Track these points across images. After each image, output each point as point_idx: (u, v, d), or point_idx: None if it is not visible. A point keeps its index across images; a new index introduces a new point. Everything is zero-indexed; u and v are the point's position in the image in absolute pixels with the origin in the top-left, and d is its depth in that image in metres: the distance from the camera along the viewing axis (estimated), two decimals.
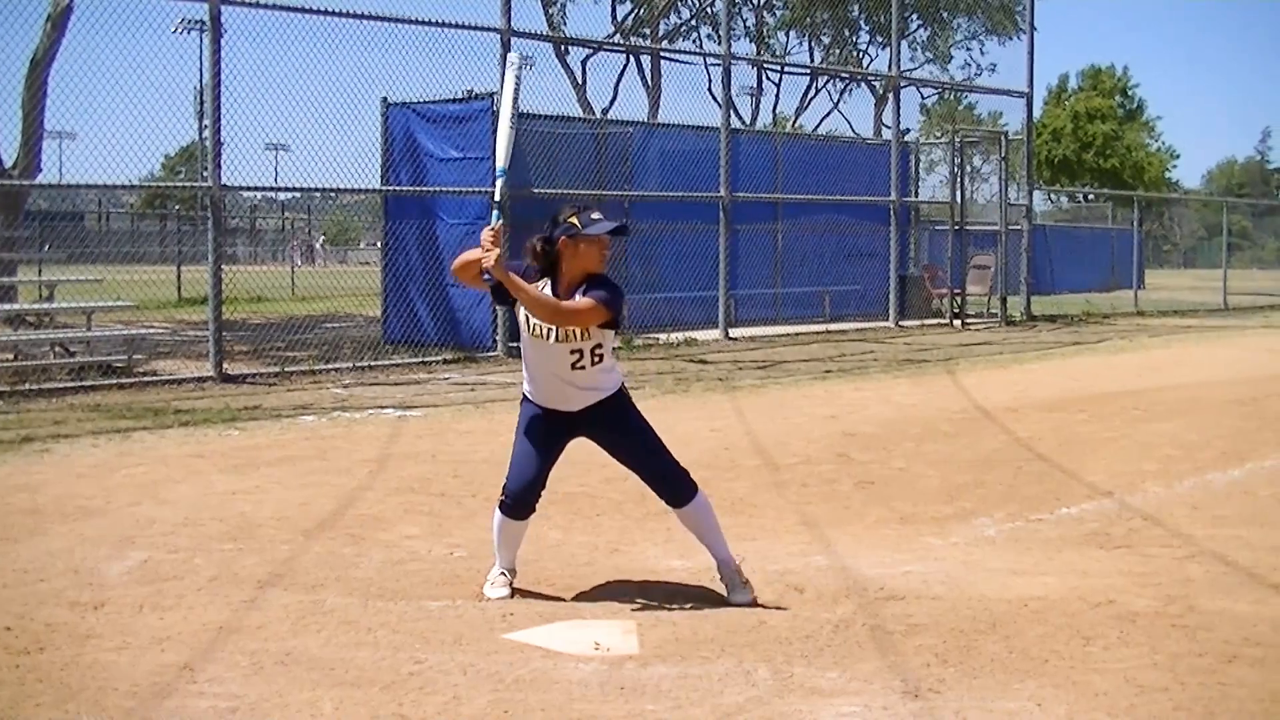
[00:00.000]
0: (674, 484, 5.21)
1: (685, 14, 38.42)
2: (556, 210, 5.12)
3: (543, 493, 5.24)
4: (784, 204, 20.85)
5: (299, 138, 24.52)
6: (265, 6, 13.06)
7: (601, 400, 5.14)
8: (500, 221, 5.03)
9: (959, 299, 22.01)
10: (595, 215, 5.02)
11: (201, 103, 16.07)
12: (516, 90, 5.36)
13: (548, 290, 5.04)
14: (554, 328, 4.99)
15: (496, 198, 5.24)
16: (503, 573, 5.32)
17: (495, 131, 5.30)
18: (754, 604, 5.17)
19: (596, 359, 5.06)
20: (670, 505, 5.26)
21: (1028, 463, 8.59)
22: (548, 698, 4.12)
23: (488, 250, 4.93)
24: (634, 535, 6.42)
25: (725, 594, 5.25)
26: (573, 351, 5.03)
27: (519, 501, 5.18)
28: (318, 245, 47.98)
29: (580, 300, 4.96)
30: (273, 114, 14.88)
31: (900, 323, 21.04)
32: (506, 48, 14.93)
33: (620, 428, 5.20)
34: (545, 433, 5.17)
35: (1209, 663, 4.50)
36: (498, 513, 5.28)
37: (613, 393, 5.18)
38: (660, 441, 5.23)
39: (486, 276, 4.98)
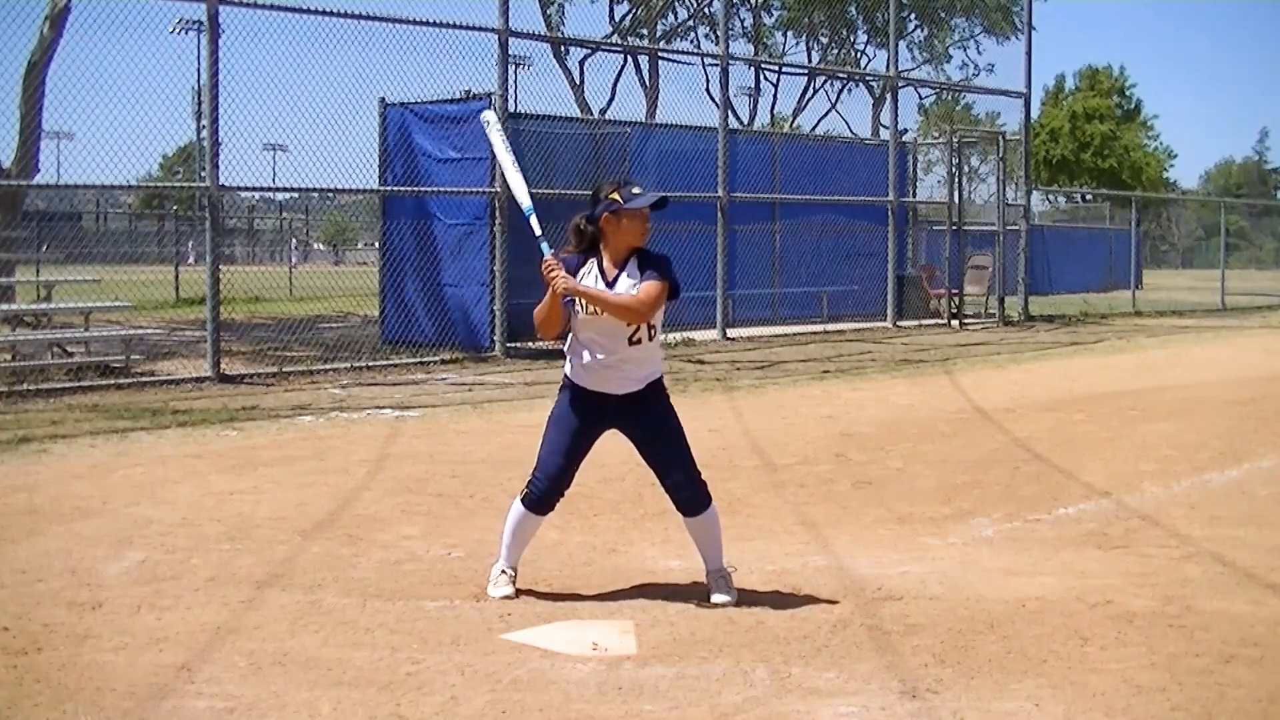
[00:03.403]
0: (693, 490, 5.20)
1: (683, 14, 38.47)
2: (596, 186, 5.15)
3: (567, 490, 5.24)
4: (782, 204, 20.86)
5: (296, 138, 24.49)
6: (263, 7, 13.05)
7: (645, 388, 5.15)
8: (551, 252, 5.07)
9: (957, 299, 22.01)
10: (635, 190, 5.05)
11: (199, 103, 16.05)
12: (503, 140, 5.43)
13: (594, 270, 5.06)
14: None
15: (537, 234, 5.24)
16: (505, 571, 5.29)
17: (506, 182, 5.35)
18: (737, 603, 5.15)
19: (651, 333, 5.10)
20: (684, 512, 5.24)
21: (1025, 463, 8.60)
22: (545, 698, 4.13)
23: (553, 275, 4.98)
24: (631, 535, 6.42)
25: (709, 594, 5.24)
26: (630, 325, 5.05)
27: (546, 494, 5.16)
28: (320, 246, 48.01)
29: (647, 288, 5.01)
30: (270, 114, 14.94)
31: (898, 323, 21.05)
32: (505, 48, 14.94)
33: (658, 422, 5.19)
34: (583, 422, 5.15)
35: (1206, 663, 4.51)
36: (517, 505, 5.23)
37: (656, 379, 5.20)
38: (688, 446, 5.23)
39: (566, 300, 5.01)
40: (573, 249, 5.15)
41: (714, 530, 5.27)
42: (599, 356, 5.10)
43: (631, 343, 5.07)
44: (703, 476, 5.24)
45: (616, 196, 5.02)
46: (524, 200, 5.35)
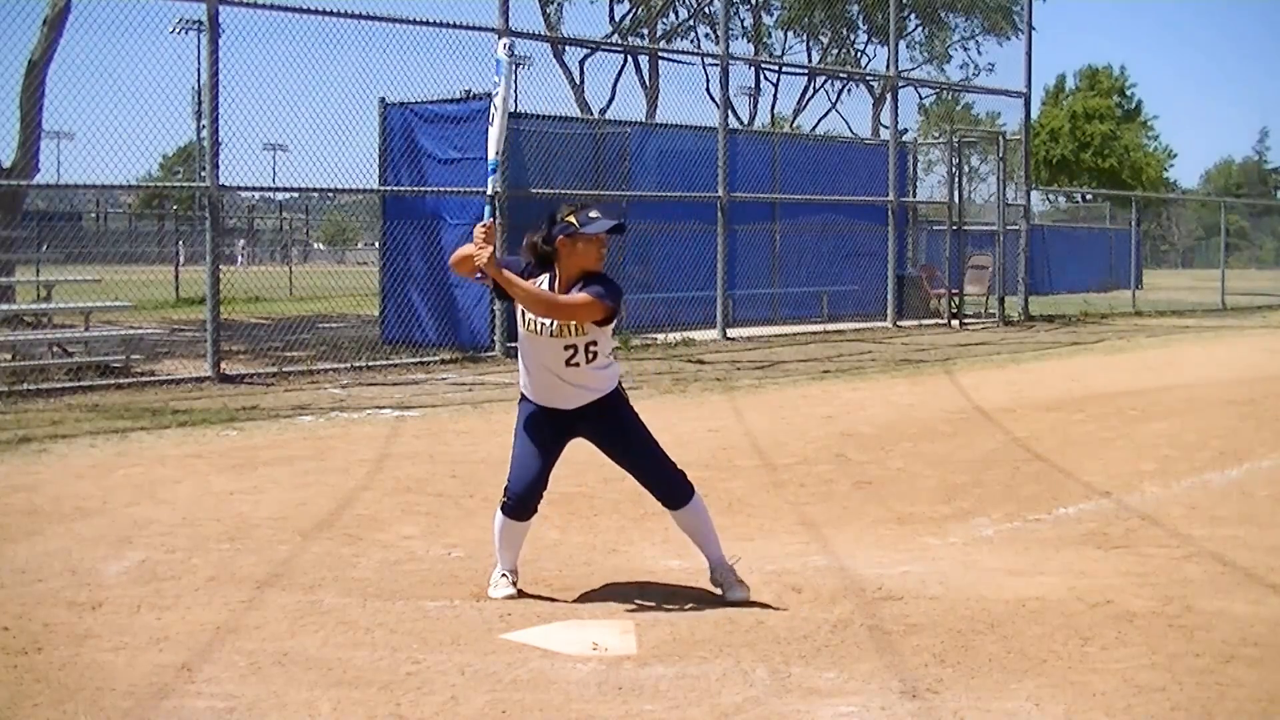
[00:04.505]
0: (670, 486, 5.21)
1: (683, 14, 38.44)
2: (554, 209, 5.13)
3: (544, 493, 5.24)
4: (782, 204, 20.86)
5: (297, 138, 24.50)
6: (263, 6, 13.05)
7: (597, 400, 5.14)
8: (492, 218, 5.03)
9: (957, 299, 22.01)
10: (594, 214, 5.03)
11: (199, 103, 16.04)
12: (511, 81, 5.37)
13: (545, 286, 5.06)
14: (549, 323, 4.99)
15: (489, 192, 5.23)
16: (505, 574, 5.31)
17: (490, 125, 5.30)
18: (748, 601, 5.17)
19: (591, 356, 5.06)
20: (666, 506, 5.27)
21: (1025, 463, 8.59)
22: (545, 698, 4.12)
23: (480, 248, 4.94)
24: (631, 535, 6.42)
25: (720, 594, 5.25)
26: (567, 347, 5.03)
27: (520, 502, 5.18)
28: (320, 246, 47.97)
29: (576, 295, 4.97)
30: (270, 114, 14.89)
31: (898, 323, 21.04)
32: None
33: (615, 429, 5.20)
34: (543, 432, 5.17)
35: (1206, 663, 4.51)
36: (499, 514, 5.26)
37: (608, 393, 5.17)
38: (655, 443, 5.23)
39: (479, 275, 4.98)
40: (529, 261, 5.12)
41: (701, 521, 5.27)
42: (541, 373, 5.11)
43: (569, 364, 5.05)
44: (678, 469, 5.23)
45: (573, 220, 4.99)
46: (493, 153, 5.29)
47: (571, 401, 5.12)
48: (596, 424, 5.18)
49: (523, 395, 5.25)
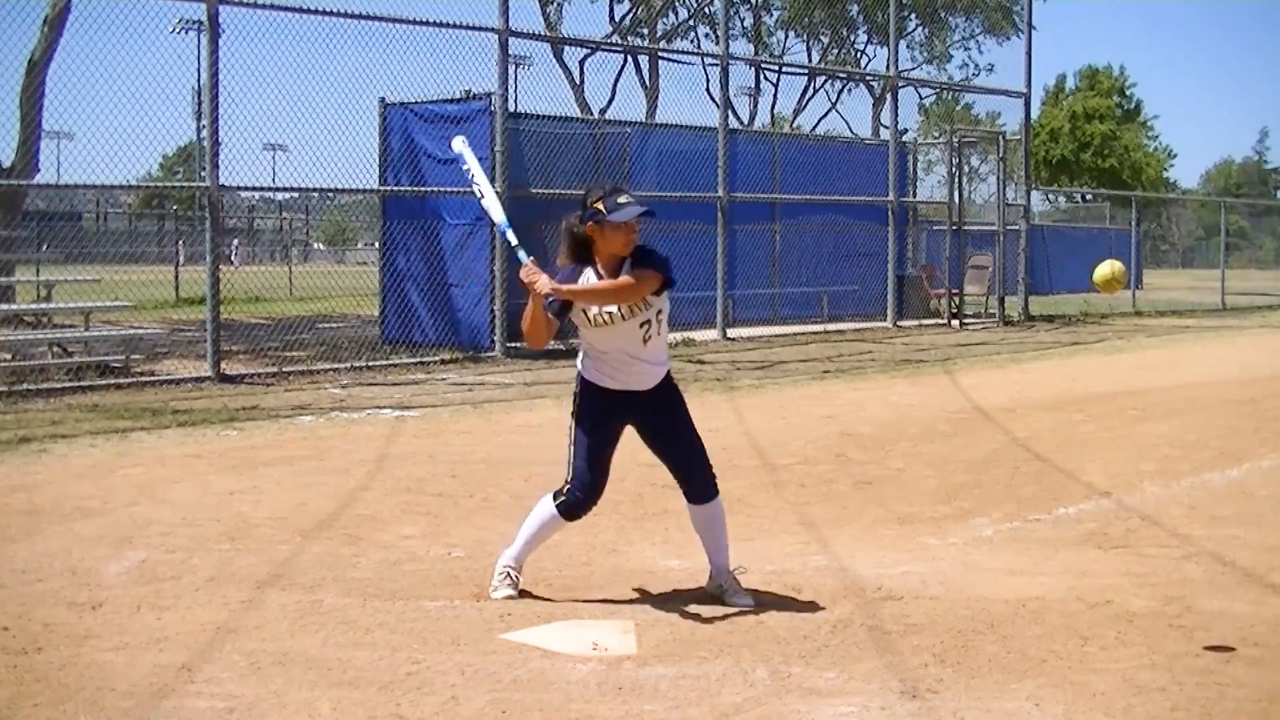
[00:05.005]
0: (701, 478, 5.23)
1: (683, 14, 38.47)
2: (586, 192, 5.15)
3: None
4: (782, 204, 20.86)
5: (297, 138, 24.50)
6: (263, 6, 13.06)
7: (663, 379, 5.20)
8: (531, 259, 5.04)
9: (957, 299, 22.01)
10: (622, 199, 5.03)
11: (199, 103, 16.06)
12: (475, 165, 5.59)
13: (592, 277, 5.08)
14: (616, 309, 5.02)
15: (514, 243, 5.25)
16: (510, 572, 5.28)
17: (482, 201, 5.50)
18: (753, 606, 5.17)
19: (660, 324, 5.13)
20: (689, 499, 5.26)
21: (1025, 463, 8.59)
22: (545, 698, 4.13)
23: (534, 280, 4.93)
24: (631, 536, 6.42)
25: (721, 597, 5.24)
26: (642, 324, 5.08)
27: (585, 504, 5.19)
28: (320, 246, 47.99)
29: (631, 274, 5.02)
30: (270, 114, 14.91)
31: (898, 323, 21.05)
32: (505, 48, 14.94)
33: (670, 411, 5.23)
34: (610, 422, 5.18)
35: (1206, 663, 4.51)
36: (550, 508, 5.22)
37: (668, 369, 5.26)
38: (697, 433, 5.26)
39: (549, 301, 4.98)
40: (565, 252, 5.16)
41: (718, 522, 5.27)
42: (619, 359, 5.13)
43: (645, 341, 5.11)
44: (711, 465, 5.26)
45: (600, 206, 5.00)
46: (499, 217, 5.38)
47: (648, 381, 5.16)
48: (655, 405, 5.20)
49: (591, 386, 5.19)
